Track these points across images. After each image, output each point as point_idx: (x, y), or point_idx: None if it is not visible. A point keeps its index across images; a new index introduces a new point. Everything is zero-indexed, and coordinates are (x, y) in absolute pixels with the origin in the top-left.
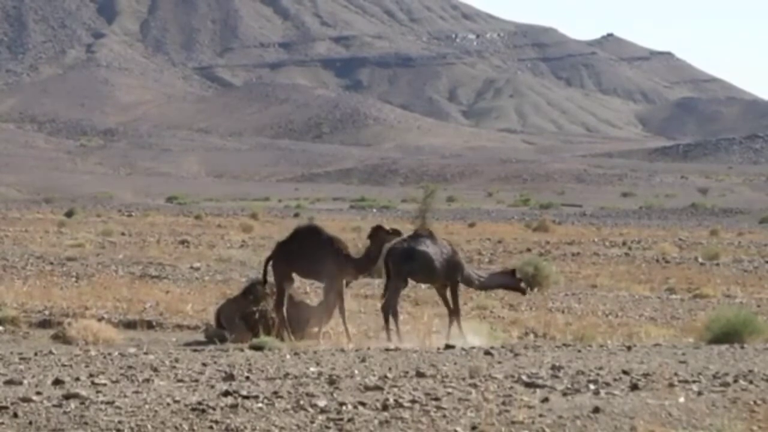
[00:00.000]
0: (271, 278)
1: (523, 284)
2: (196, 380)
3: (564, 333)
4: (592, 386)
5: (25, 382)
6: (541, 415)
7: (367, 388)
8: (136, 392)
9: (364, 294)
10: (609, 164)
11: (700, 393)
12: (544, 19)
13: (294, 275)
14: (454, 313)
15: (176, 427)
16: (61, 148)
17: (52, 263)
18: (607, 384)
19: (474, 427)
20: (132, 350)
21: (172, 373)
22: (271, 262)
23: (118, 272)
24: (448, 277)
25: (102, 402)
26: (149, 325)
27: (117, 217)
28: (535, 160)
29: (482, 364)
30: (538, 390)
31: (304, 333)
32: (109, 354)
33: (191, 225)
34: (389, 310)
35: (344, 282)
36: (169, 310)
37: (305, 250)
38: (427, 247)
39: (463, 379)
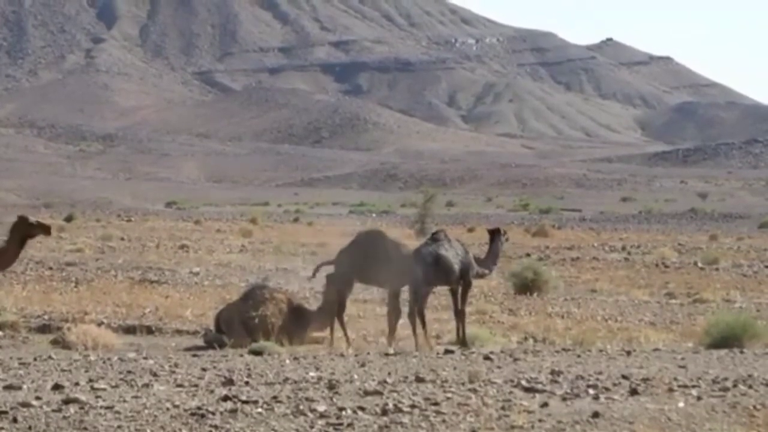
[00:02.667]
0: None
1: (506, 235)
2: (196, 385)
3: (563, 338)
4: (591, 391)
5: (25, 387)
6: (540, 420)
7: (367, 393)
8: (136, 397)
9: (363, 299)
10: (608, 169)
11: (699, 398)
12: (543, 23)
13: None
14: (460, 314)
15: None
16: (61, 153)
17: (51, 268)
18: (607, 389)
19: None
20: (131, 355)
21: (172, 378)
22: (333, 269)
23: (118, 277)
24: (463, 277)
25: (101, 407)
26: (149, 330)
27: (116, 222)
28: (535, 164)
29: (481, 368)
30: (537, 395)
31: (304, 338)
32: (109, 359)
33: (190, 230)
34: (418, 315)
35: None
36: (169, 315)
37: (371, 256)
38: (447, 250)
39: (463, 383)
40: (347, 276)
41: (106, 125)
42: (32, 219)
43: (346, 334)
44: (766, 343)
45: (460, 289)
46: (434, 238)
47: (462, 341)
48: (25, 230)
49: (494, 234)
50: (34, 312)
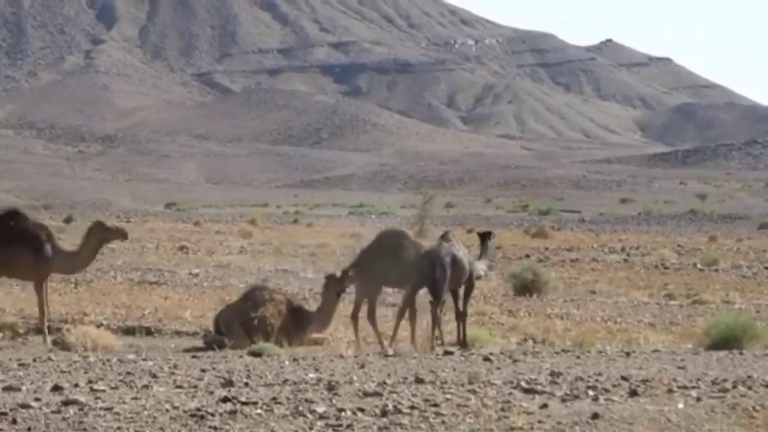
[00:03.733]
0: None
1: (493, 236)
2: (195, 386)
3: (563, 339)
4: (591, 392)
5: (24, 388)
6: (540, 421)
7: (366, 394)
8: (135, 398)
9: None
10: (608, 170)
11: (699, 399)
12: (542, 24)
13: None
14: (461, 316)
15: None
16: (60, 154)
17: None
18: (606, 390)
19: None
20: (131, 356)
21: (171, 380)
22: (355, 272)
23: (117, 278)
24: (468, 279)
25: (101, 408)
26: (148, 332)
27: (116, 223)
28: (534, 166)
29: (481, 370)
30: (537, 396)
31: (304, 339)
32: (108, 360)
33: (190, 231)
34: (433, 318)
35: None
36: (168, 316)
37: (394, 256)
38: (458, 251)
39: (462, 385)
40: (371, 277)
41: (106, 126)
42: (109, 224)
43: (357, 336)
44: (766, 344)
45: (462, 291)
46: (446, 239)
47: (462, 342)
48: (102, 235)
49: (485, 237)
50: (34, 313)
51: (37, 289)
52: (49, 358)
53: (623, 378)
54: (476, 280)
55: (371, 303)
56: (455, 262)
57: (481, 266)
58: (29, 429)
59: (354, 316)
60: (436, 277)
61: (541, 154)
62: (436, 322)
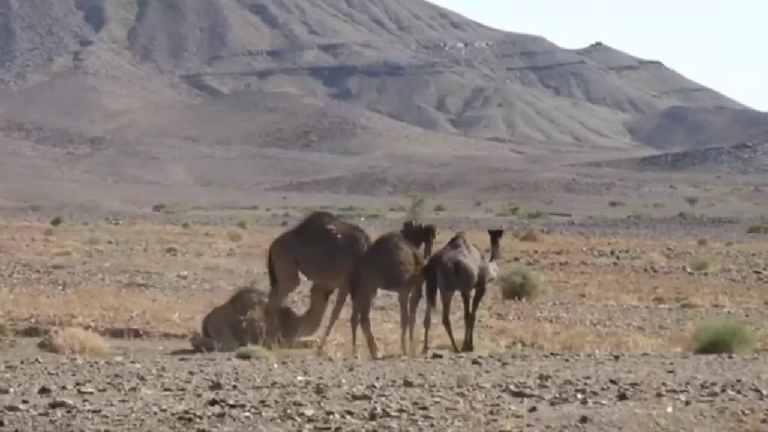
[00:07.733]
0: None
1: (501, 243)
2: (183, 389)
3: (552, 342)
4: (579, 396)
5: (12, 390)
6: (528, 425)
7: (355, 397)
8: (123, 401)
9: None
10: (597, 173)
11: (688, 403)
12: (532, 27)
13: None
14: (469, 319)
15: None
16: (49, 156)
17: (38, 271)
18: (595, 393)
19: None
20: (119, 359)
21: (159, 382)
22: (358, 274)
23: (105, 280)
24: (479, 283)
25: (88, 411)
26: (136, 334)
27: (104, 225)
28: (524, 169)
29: (470, 373)
30: (525, 399)
31: (292, 342)
32: (96, 363)
33: (178, 233)
34: (422, 321)
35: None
36: (156, 318)
37: (393, 259)
38: (465, 257)
39: (451, 388)
40: (370, 281)
41: (94, 128)
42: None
43: (354, 341)
44: (755, 348)
45: (473, 294)
46: (453, 244)
47: (467, 345)
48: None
49: (495, 235)
50: (21, 315)
51: None
52: (37, 360)
53: (612, 381)
54: (488, 284)
55: (368, 305)
56: (459, 268)
57: (492, 268)
58: (16, 431)
59: (353, 320)
60: (436, 284)
61: (530, 158)
62: (427, 325)
